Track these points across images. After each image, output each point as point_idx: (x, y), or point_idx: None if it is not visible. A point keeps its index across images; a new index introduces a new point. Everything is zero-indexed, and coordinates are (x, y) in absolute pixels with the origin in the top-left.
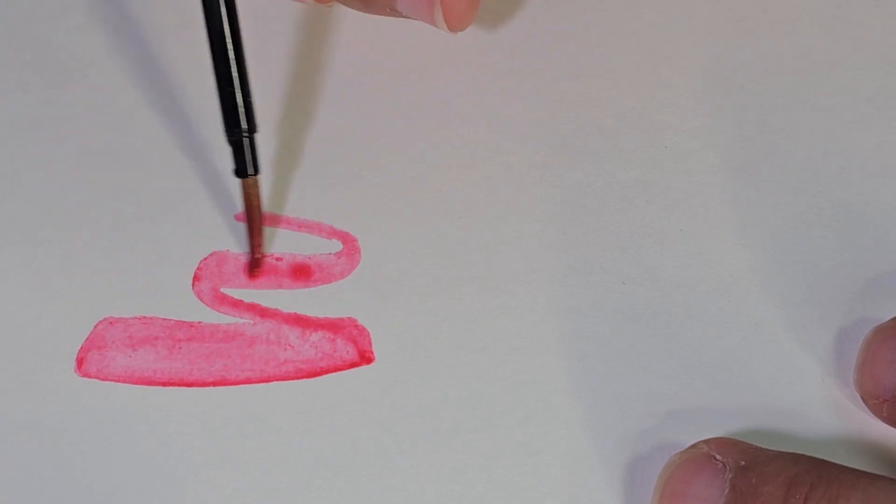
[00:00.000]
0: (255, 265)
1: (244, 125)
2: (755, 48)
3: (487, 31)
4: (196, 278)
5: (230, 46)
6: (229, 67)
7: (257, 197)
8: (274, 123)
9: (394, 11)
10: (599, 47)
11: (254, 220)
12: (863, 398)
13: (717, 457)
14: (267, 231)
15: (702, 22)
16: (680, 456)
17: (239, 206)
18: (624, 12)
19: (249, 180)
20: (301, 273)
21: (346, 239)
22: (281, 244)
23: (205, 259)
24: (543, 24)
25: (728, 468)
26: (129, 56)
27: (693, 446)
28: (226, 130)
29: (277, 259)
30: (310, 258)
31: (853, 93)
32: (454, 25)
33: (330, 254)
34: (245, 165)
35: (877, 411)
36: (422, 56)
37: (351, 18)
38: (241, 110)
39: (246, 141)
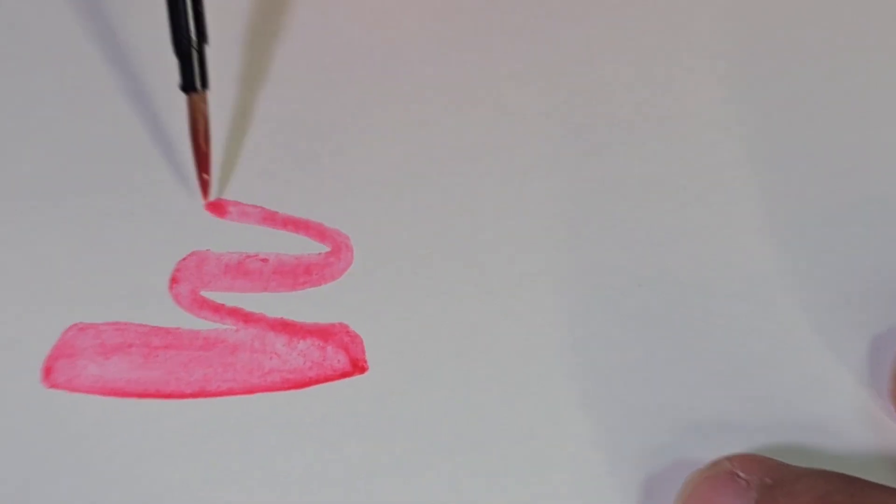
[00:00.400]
0: (204, 189)
1: (193, 35)
2: (783, 32)
3: (493, 14)
4: (174, 280)
5: None
6: None
7: (205, 115)
8: (261, 115)
9: None
10: (613, 31)
11: (201, 141)
12: None
13: (741, 474)
14: (253, 229)
15: (724, 3)
16: (700, 473)
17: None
18: None
19: (197, 96)
20: (288, 275)
21: (337, 238)
22: (266, 243)
23: (183, 259)
24: (553, 6)
25: (752, 487)
26: (101, 47)
27: (714, 463)
28: (173, 40)
29: (263, 260)
30: (298, 258)
31: (889, 80)
32: None
33: (320, 254)
34: (192, 78)
35: None
36: (421, 42)
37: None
38: (191, 19)
39: (195, 52)
